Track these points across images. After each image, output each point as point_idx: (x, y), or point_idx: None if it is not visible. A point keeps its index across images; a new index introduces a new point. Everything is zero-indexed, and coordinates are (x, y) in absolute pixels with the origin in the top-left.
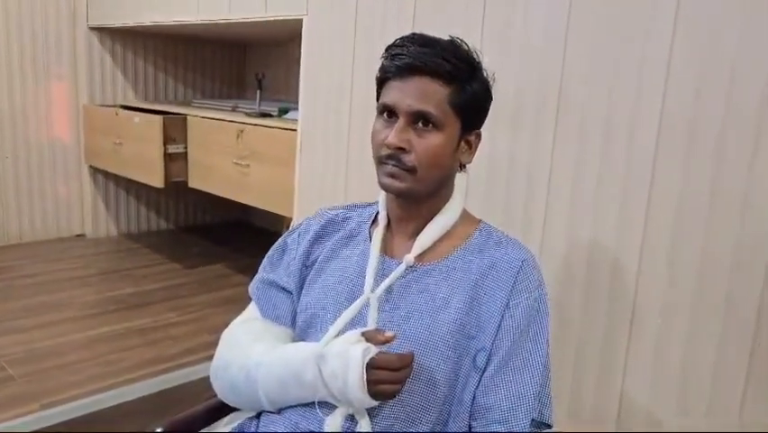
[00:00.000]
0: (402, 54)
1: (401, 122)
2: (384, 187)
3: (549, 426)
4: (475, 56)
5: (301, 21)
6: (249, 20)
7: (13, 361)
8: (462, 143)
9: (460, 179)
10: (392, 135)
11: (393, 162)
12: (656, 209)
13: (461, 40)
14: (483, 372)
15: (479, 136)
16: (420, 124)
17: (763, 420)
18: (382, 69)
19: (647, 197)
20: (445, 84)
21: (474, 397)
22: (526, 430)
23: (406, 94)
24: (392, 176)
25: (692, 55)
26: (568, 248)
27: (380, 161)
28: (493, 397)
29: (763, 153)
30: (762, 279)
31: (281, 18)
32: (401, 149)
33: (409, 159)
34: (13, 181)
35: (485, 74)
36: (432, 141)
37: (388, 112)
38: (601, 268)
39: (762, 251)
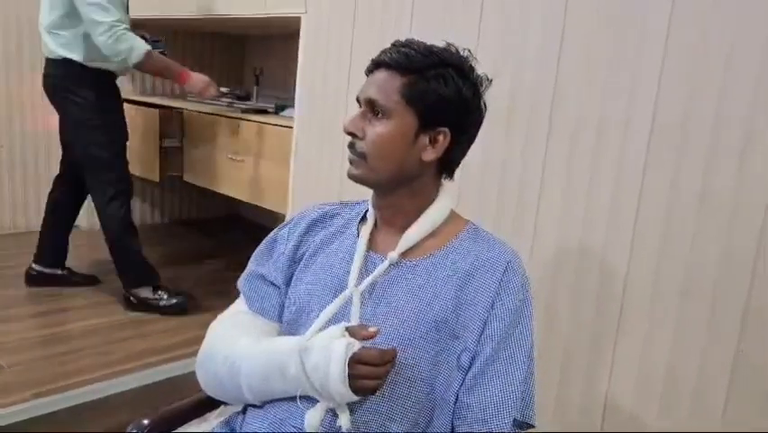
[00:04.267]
0: (381, 54)
1: (359, 111)
2: (347, 174)
3: (531, 426)
4: (455, 58)
5: (299, 18)
6: (247, 16)
7: (4, 350)
8: (424, 139)
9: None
10: (347, 121)
11: (350, 149)
12: (645, 215)
13: (453, 45)
14: (467, 371)
15: (446, 136)
16: (374, 113)
17: (745, 424)
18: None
19: (637, 202)
20: (401, 75)
21: (458, 396)
22: (508, 430)
23: (368, 85)
24: (350, 162)
25: (684, 62)
26: (558, 251)
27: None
28: (476, 396)
29: (751, 158)
30: (746, 285)
31: (280, 15)
32: (354, 135)
33: (360, 145)
34: (8, 171)
35: (476, 81)
36: (379, 128)
37: (359, 104)
38: (590, 271)
39: (748, 256)
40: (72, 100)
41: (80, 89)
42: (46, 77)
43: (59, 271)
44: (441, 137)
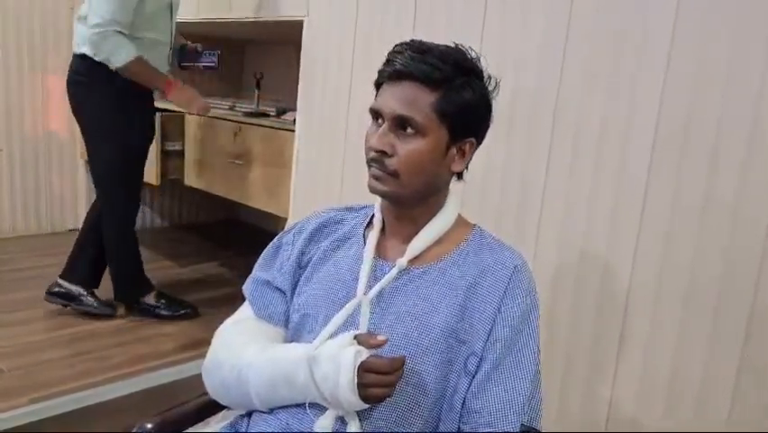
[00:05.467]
0: (395, 60)
1: (385, 126)
2: (369, 189)
3: (538, 431)
4: (472, 63)
5: (301, 22)
6: (249, 20)
7: (3, 354)
8: (453, 151)
9: (456, 184)
10: (375, 138)
11: (377, 166)
12: (648, 219)
13: (462, 46)
14: (474, 376)
15: (473, 145)
16: (404, 129)
17: (750, 429)
18: (378, 74)
19: (640, 206)
20: (432, 90)
21: (464, 401)
22: None
23: (392, 98)
24: (376, 178)
25: (687, 66)
26: (560, 255)
27: (368, 164)
28: (483, 401)
29: (754, 165)
30: (751, 290)
31: (281, 19)
32: (383, 152)
33: (391, 162)
34: (8, 174)
35: (486, 82)
36: (414, 146)
37: (376, 116)
38: (593, 276)
39: (751, 261)
40: (85, 98)
41: (95, 86)
42: (69, 72)
43: (83, 291)
44: (467, 147)
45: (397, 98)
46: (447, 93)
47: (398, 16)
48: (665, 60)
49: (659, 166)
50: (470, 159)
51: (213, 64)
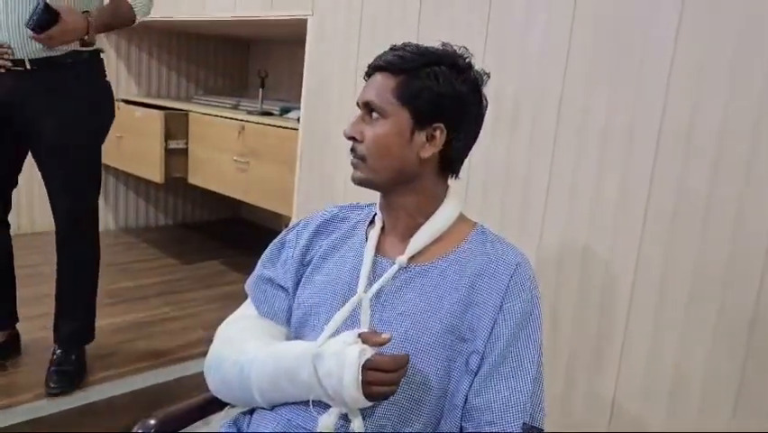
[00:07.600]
0: (376, 59)
1: (358, 115)
2: (351, 180)
3: (540, 430)
4: (445, 55)
5: (306, 21)
6: (254, 18)
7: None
8: (421, 137)
9: (457, 183)
10: (348, 126)
11: (352, 154)
12: (652, 218)
13: (444, 43)
14: (476, 374)
15: (443, 132)
16: (371, 115)
17: (755, 427)
18: (365, 75)
19: (644, 205)
20: (394, 76)
21: (466, 399)
22: (518, 432)
23: (365, 89)
24: (353, 167)
25: (692, 65)
26: (563, 254)
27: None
28: (485, 399)
29: (757, 166)
30: (755, 290)
31: (286, 18)
32: (354, 139)
33: (361, 148)
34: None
35: (471, 74)
36: (376, 129)
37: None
38: (596, 275)
39: (755, 262)
40: None
41: None
42: None
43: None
44: (437, 133)
45: (369, 88)
46: (409, 79)
47: (403, 15)
48: (669, 59)
49: (663, 163)
50: (446, 146)
51: (31, 23)
